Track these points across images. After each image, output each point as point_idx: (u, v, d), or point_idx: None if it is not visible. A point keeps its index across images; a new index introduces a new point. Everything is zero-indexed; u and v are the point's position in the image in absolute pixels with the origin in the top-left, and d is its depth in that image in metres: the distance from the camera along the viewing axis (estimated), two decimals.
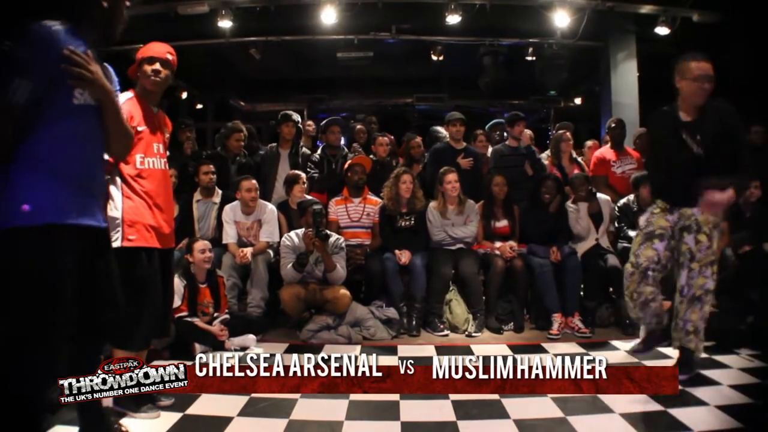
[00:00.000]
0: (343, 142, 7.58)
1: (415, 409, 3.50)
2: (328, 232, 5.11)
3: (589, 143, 7.49)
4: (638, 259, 3.91)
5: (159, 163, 3.32)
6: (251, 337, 4.83)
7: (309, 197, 5.70)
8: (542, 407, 3.52)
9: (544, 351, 4.79)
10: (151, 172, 3.26)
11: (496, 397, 3.68)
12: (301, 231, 5.20)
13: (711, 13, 8.70)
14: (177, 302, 4.53)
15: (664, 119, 3.92)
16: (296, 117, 6.89)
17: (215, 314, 4.77)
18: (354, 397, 3.67)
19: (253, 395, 3.65)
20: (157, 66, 3.30)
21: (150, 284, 3.17)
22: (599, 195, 5.94)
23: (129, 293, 2.71)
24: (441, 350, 4.80)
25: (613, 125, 6.99)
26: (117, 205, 3.15)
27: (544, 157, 6.83)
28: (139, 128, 3.18)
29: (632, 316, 4.24)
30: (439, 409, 3.50)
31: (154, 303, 3.20)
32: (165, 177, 3.38)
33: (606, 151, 6.93)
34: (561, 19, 8.75)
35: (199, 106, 13.64)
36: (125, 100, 3.14)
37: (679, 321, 3.82)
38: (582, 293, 5.63)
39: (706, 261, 3.74)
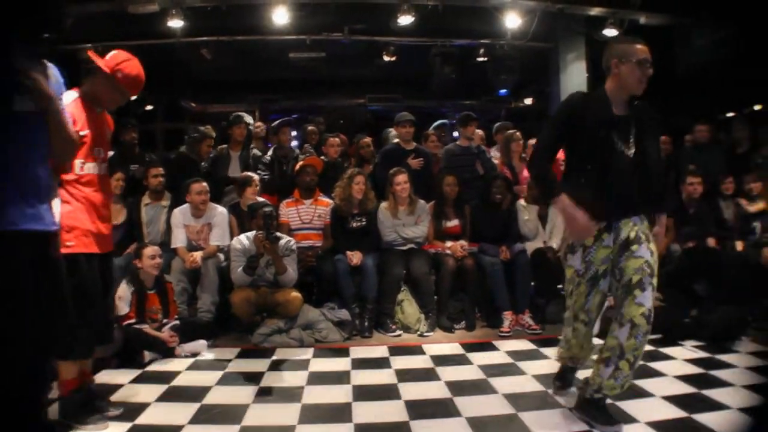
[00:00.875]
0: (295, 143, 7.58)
1: (367, 411, 3.51)
2: (279, 234, 5.07)
3: (531, 141, 7.57)
4: (590, 315, 3.25)
5: (99, 169, 3.23)
6: (202, 342, 4.77)
7: (261, 199, 5.65)
8: (494, 404, 3.59)
9: (495, 349, 4.84)
10: (91, 178, 3.17)
11: (448, 395, 3.72)
12: (251, 234, 5.15)
13: (658, 16, 8.90)
14: (125, 309, 4.47)
15: (597, 109, 3.15)
16: (248, 119, 6.84)
17: (164, 320, 4.70)
18: (306, 400, 3.68)
19: (204, 402, 3.62)
20: (126, 101, 3.30)
21: (90, 291, 3.09)
22: None
23: (68, 300, 2.65)
24: (394, 350, 4.81)
25: None
26: (54, 210, 3.04)
27: (495, 155, 6.89)
28: (82, 132, 3.05)
29: (569, 364, 3.65)
30: (392, 410, 3.51)
31: (96, 310, 3.12)
32: (105, 183, 3.30)
33: None
34: (512, 21, 8.83)
35: (149, 107, 13.39)
36: (69, 101, 3.00)
37: (634, 362, 3.10)
38: (532, 291, 5.69)
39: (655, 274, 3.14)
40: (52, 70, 2.54)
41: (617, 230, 3.15)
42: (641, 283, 3.05)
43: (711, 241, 5.72)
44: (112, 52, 3.22)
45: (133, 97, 3.35)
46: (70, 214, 3.04)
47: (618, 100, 3.16)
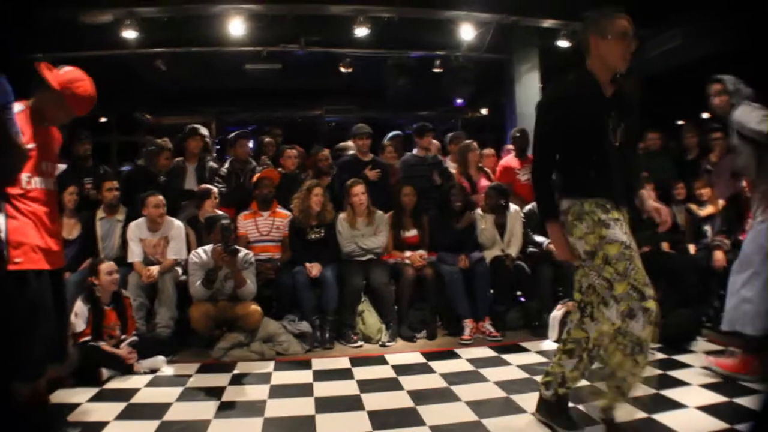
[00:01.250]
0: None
1: (331, 423, 3.50)
2: (237, 246, 5.02)
3: (485, 151, 7.66)
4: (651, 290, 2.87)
5: (47, 183, 3.10)
6: (161, 358, 4.68)
7: (219, 212, 5.60)
8: (457, 412, 3.59)
9: (457, 357, 4.87)
10: (39, 193, 3.04)
11: (411, 404, 3.73)
12: (208, 247, 5.09)
13: None
14: (81, 326, 4.37)
15: (589, 93, 3.00)
16: (203, 131, 6.77)
17: (122, 336, 4.60)
18: (269, 413, 3.65)
19: (165, 419, 3.55)
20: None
21: (41, 308, 2.96)
22: (511, 206, 6.07)
23: (18, 319, 2.56)
24: (355, 361, 4.80)
25: (518, 135, 7.20)
26: (0, 226, 2.88)
27: (452, 165, 6.94)
28: (28, 146, 2.97)
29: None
30: (356, 421, 3.50)
31: (46, 327, 2.98)
32: (52, 198, 3.17)
33: (511, 159, 7.16)
34: (467, 33, 8.97)
35: (103, 120, 13.17)
36: (15, 113, 2.80)
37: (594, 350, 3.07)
38: (491, 298, 5.71)
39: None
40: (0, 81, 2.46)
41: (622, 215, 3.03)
42: None
43: (665, 246, 5.86)
44: (66, 68, 3.10)
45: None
46: (18, 230, 2.91)
47: (603, 80, 3.01)
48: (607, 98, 3.00)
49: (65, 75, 3.06)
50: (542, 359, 4.69)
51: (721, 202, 5.98)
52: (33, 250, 2.98)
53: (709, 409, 3.44)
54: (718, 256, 5.45)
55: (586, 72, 3.04)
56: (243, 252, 5.11)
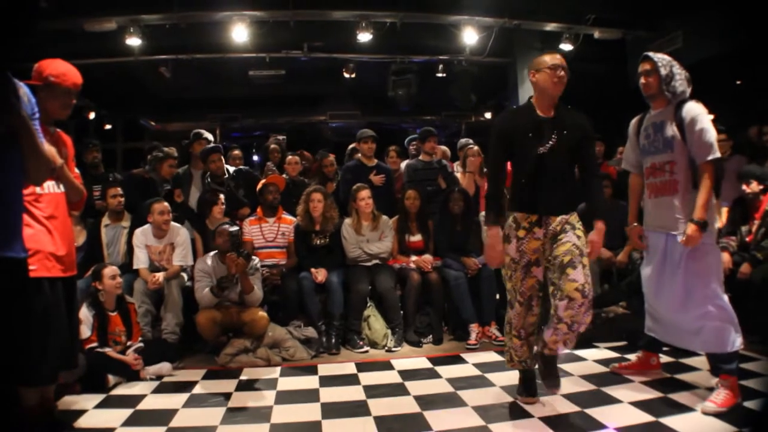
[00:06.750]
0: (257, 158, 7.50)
1: (337, 428, 3.49)
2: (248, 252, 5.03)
3: None
4: (523, 297, 3.55)
5: (57, 187, 3.16)
6: (167, 365, 4.68)
7: (226, 219, 5.60)
8: (463, 417, 3.58)
9: (463, 361, 4.87)
10: (50, 197, 3.09)
11: (417, 410, 3.72)
12: (212, 254, 5.12)
13: (611, 30, 9.13)
14: (87, 333, 4.36)
15: (520, 117, 3.56)
16: (208, 136, 6.76)
17: (128, 343, 4.60)
18: (275, 419, 3.64)
19: (171, 425, 3.55)
20: (73, 99, 3.17)
21: (53, 315, 2.99)
22: None
23: (32, 325, 2.58)
24: (361, 367, 4.80)
25: None
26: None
27: (457, 169, 6.93)
28: (60, 161, 2.99)
29: (518, 358, 3.71)
30: (362, 426, 3.49)
31: (59, 334, 3.02)
32: (63, 201, 3.22)
33: None
34: (470, 37, 8.98)
35: (108, 127, 13.22)
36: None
37: (572, 324, 3.36)
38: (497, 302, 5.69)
39: (587, 257, 3.45)
40: (24, 89, 2.48)
41: (546, 224, 3.50)
42: (572, 262, 3.37)
43: None
44: (35, 67, 3.12)
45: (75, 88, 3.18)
46: (32, 237, 2.92)
47: (542, 105, 3.53)
48: (542, 118, 3.49)
49: (35, 71, 3.08)
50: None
51: (725, 207, 5.89)
52: (47, 257, 3.00)
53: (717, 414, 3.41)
54: (725, 257, 5.41)
55: (527, 101, 3.61)
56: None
